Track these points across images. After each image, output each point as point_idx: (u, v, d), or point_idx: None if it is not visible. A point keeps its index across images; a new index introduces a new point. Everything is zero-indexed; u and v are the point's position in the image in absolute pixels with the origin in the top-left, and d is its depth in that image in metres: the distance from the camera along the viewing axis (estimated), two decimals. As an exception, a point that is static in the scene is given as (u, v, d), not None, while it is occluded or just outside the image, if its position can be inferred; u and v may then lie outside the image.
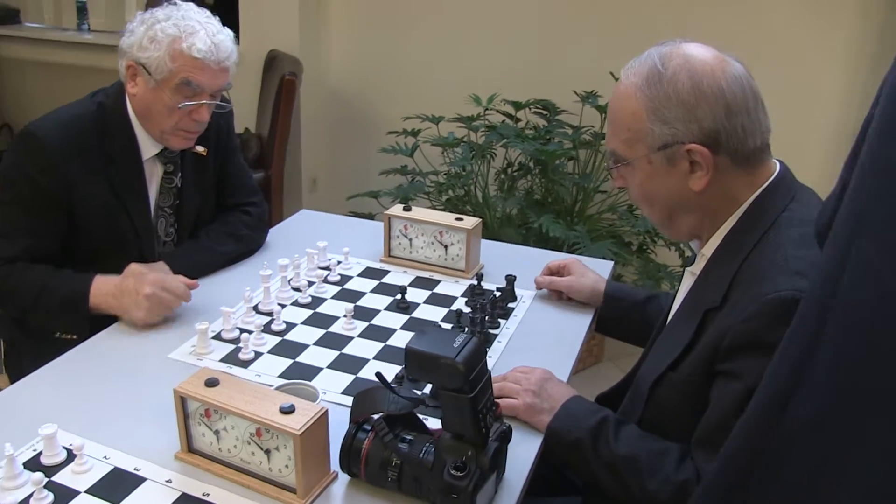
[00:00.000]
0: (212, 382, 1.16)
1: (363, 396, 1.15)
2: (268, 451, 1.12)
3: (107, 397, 1.34)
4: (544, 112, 2.97)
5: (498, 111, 3.04)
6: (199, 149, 1.81)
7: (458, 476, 1.00)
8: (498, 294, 1.69)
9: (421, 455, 1.07)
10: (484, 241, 2.00)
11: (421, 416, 1.14)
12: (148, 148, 1.72)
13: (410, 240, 1.86)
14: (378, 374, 1.08)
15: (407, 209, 1.86)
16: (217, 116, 1.88)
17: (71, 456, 1.18)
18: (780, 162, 1.23)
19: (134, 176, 1.71)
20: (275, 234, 2.03)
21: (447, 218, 1.81)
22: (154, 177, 1.76)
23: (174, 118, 1.65)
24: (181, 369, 1.43)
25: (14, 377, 1.58)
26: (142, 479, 1.16)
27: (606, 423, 1.22)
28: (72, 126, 1.61)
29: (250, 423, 1.11)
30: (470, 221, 1.80)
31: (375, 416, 1.12)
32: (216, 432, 1.16)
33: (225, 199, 1.93)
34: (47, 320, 1.63)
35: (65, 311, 1.57)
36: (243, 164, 1.99)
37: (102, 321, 1.57)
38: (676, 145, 1.14)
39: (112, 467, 1.18)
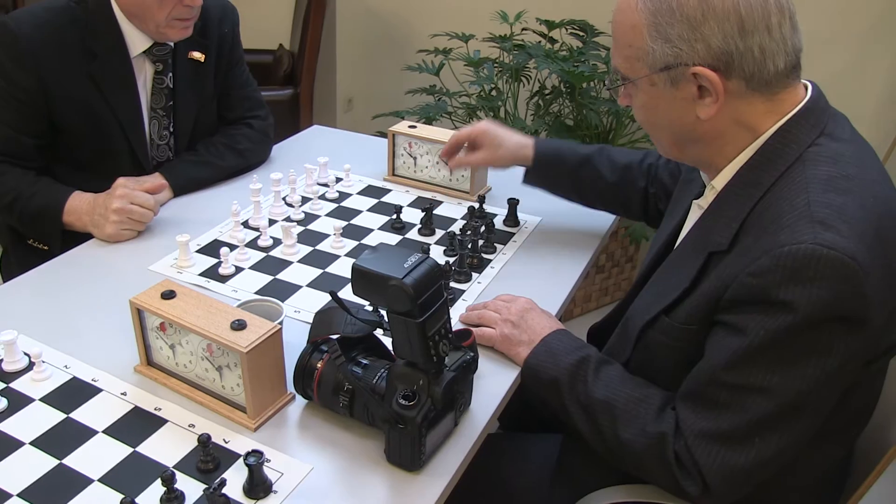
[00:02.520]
0: (168, 295, 1.11)
1: (321, 316, 1.09)
2: (220, 369, 1.07)
3: (81, 308, 1.31)
4: (581, 33, 2.79)
5: (534, 31, 2.87)
6: (196, 55, 1.74)
7: (405, 405, 0.94)
8: (498, 218, 1.60)
9: (374, 381, 1.00)
10: (496, 166, 1.89)
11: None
12: (135, 44, 1.64)
13: (415, 158, 1.77)
14: (332, 294, 1.01)
15: (412, 127, 1.76)
16: (220, 24, 1.79)
17: (31, 364, 1.15)
18: (813, 84, 1.07)
19: (120, 73, 1.64)
20: (281, 149, 1.96)
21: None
22: (144, 76, 1.69)
23: (166, 8, 1.56)
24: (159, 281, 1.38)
25: (6, 283, 1.57)
26: (97, 391, 1.13)
27: (587, 362, 1.13)
28: (48, 19, 1.55)
29: (202, 339, 1.06)
30: (476, 141, 1.69)
31: (333, 337, 1.06)
32: (172, 346, 1.11)
33: (228, 111, 1.86)
34: (20, 226, 1.61)
35: (38, 220, 1.55)
36: (248, 76, 1.91)
37: (80, 234, 1.53)
38: (680, 67, 1.01)
39: (71, 377, 1.15)
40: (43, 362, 1.15)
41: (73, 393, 1.12)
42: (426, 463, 1.00)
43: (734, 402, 0.97)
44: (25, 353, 1.17)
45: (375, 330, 1.05)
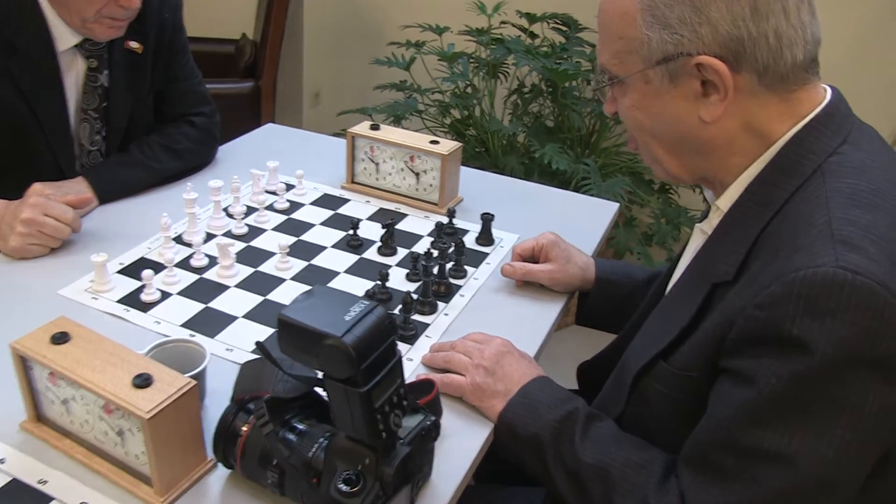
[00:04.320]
0: (59, 339, 0.90)
1: (249, 368, 0.89)
2: (120, 433, 0.86)
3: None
4: (564, 28, 2.60)
5: (514, 25, 2.68)
6: (133, 44, 1.53)
7: (346, 492, 0.74)
8: (470, 235, 1.40)
9: (311, 454, 0.80)
10: (469, 172, 1.70)
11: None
12: (64, 37, 1.43)
13: (377, 164, 1.57)
14: (259, 345, 0.80)
15: (374, 128, 1.56)
16: (161, 8, 1.57)
17: None
18: (833, 88, 0.90)
19: (45, 70, 1.43)
20: (228, 150, 1.75)
21: (421, 140, 1.51)
22: (74, 73, 1.48)
23: (97, 4, 1.36)
24: (69, 310, 1.17)
25: None
26: (-31, 455, 0.91)
27: (574, 418, 0.94)
28: None
29: (98, 397, 0.85)
30: (447, 145, 1.49)
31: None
32: (64, 402, 0.90)
33: (168, 108, 1.64)
34: None
35: None
36: (193, 68, 1.69)
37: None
38: (681, 58, 0.83)
39: (-60, 435, 0.93)
40: None
41: (-60, 458, 0.91)
42: (374, 558, 0.80)
43: (743, 473, 0.79)
44: None
45: (312, 388, 0.85)
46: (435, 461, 0.92)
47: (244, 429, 0.84)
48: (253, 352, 1.09)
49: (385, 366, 0.73)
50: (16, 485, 0.87)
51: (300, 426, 0.83)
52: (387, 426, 0.74)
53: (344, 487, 0.74)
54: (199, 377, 0.95)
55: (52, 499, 0.86)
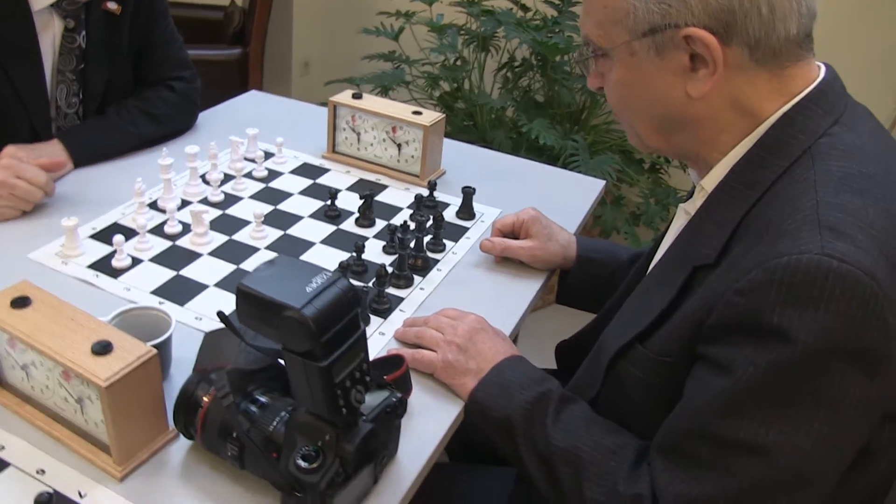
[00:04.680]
0: (19, 302, 0.88)
1: (212, 338, 0.87)
2: (80, 400, 0.84)
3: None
4: (556, 1, 2.56)
5: (507, -5, 2.63)
6: (111, 5, 1.49)
7: (304, 469, 0.72)
8: (450, 209, 1.38)
9: (272, 427, 0.79)
10: (454, 144, 1.68)
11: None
12: None
13: (358, 134, 1.54)
14: (220, 315, 0.78)
15: (357, 97, 1.53)
16: (140, -31, 1.54)
17: None
18: (827, 66, 0.87)
19: (19, 31, 1.39)
20: (208, 116, 1.71)
21: (403, 111, 1.48)
22: (50, 34, 1.44)
23: None
24: (39, 274, 1.15)
25: None
26: (-71, 418, 0.89)
27: (547, 399, 0.93)
28: None
29: (56, 364, 0.83)
30: (429, 116, 1.46)
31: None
32: (24, 367, 0.88)
33: (147, 72, 1.61)
34: None
35: None
36: (173, 32, 1.65)
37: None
38: (669, 30, 0.80)
39: None
40: None
41: None
42: (333, 533, 0.79)
43: (718, 463, 0.77)
44: None
45: (276, 360, 0.83)
46: (402, 439, 0.91)
47: (205, 399, 0.83)
48: (213, 330, 1.07)
49: (346, 340, 0.71)
50: (-28, 451, 0.86)
51: (262, 399, 0.82)
52: (347, 402, 0.72)
53: (303, 464, 0.73)
54: (164, 346, 0.93)
55: (7, 465, 0.84)
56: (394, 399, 0.82)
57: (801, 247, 0.71)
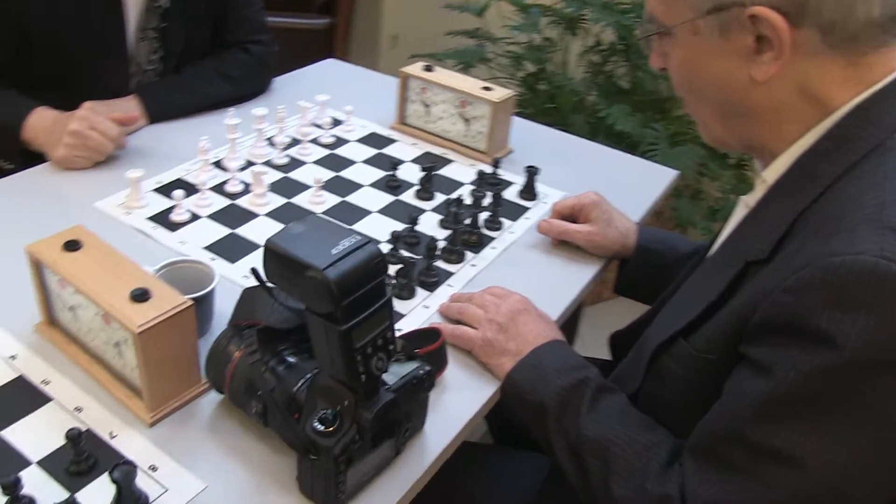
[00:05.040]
0: (71, 246, 0.90)
1: (248, 294, 0.87)
2: (118, 345, 0.86)
3: (1, 243, 1.11)
4: (652, -18, 2.47)
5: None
6: (195, -34, 1.51)
7: (321, 432, 0.72)
8: (513, 188, 1.35)
9: (295, 388, 0.78)
10: (524, 124, 1.64)
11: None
12: None
13: (428, 107, 1.52)
14: (254, 271, 0.78)
15: (428, 69, 1.51)
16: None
17: (-84, 306, 0.96)
18: None
19: None
20: (284, 81, 1.73)
21: (473, 86, 1.46)
22: (135, -8, 1.47)
23: None
24: (101, 222, 1.18)
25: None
26: (-17, 350, 0.93)
27: (584, 387, 0.90)
28: None
29: (97, 307, 0.85)
30: (499, 93, 1.44)
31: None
32: (71, 308, 0.91)
33: (225, 33, 1.63)
34: None
35: None
36: (253, -6, 1.67)
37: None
38: (734, 8, 0.75)
39: (-41, 328, 0.96)
40: (-71, 307, 0.96)
41: (-45, 350, 0.93)
42: (349, 499, 0.78)
43: (751, 470, 0.73)
44: (-86, 293, 0.98)
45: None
46: (432, 413, 0.90)
47: (236, 354, 0.83)
48: (252, 286, 1.08)
49: (370, 306, 0.70)
50: (21, 382, 0.89)
51: (291, 359, 0.82)
52: (367, 369, 0.71)
53: (319, 426, 0.72)
54: (206, 299, 0.95)
55: (50, 399, 0.87)
56: (421, 372, 0.80)
57: (859, 247, 0.66)
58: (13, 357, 0.92)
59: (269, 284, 0.76)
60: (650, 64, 0.90)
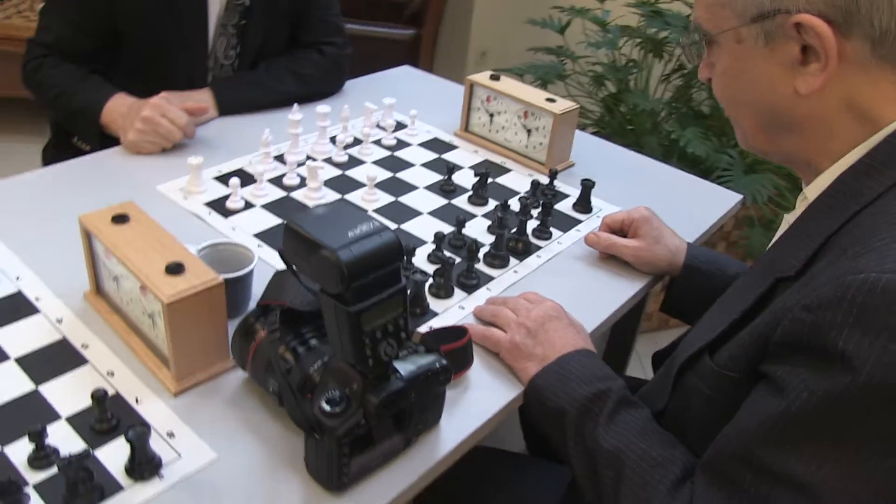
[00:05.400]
0: (120, 219, 0.94)
1: (277, 277, 0.89)
2: (151, 315, 0.89)
3: (68, 216, 1.17)
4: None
5: (685, 1, 2.52)
6: (278, -33, 1.57)
7: (327, 412, 0.72)
8: (569, 200, 1.34)
9: (311, 369, 0.80)
10: (590, 140, 1.64)
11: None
12: None
13: (492, 115, 1.53)
14: (280, 252, 0.80)
15: (495, 78, 1.52)
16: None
17: (-19, 267, 1.03)
18: None
19: None
20: (357, 84, 1.76)
21: (537, 97, 1.46)
22: (219, -12, 1.54)
23: None
24: (162, 204, 1.23)
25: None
26: (34, 311, 0.99)
27: (605, 398, 0.88)
28: None
29: (135, 278, 0.88)
30: (562, 105, 1.43)
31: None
32: (115, 278, 0.95)
33: (302, 33, 1.68)
34: (64, 121, 1.52)
35: (77, 117, 1.44)
36: (332, -1, 1.72)
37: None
38: (779, 15, 0.72)
39: (16, 290, 1.02)
40: (-8, 268, 1.03)
41: (10, 309, 0.99)
42: (352, 485, 0.79)
43: (760, 495, 0.70)
44: (-19, 255, 1.05)
45: (329, 306, 0.84)
46: (451, 411, 0.90)
47: (261, 333, 0.85)
48: (277, 272, 1.10)
49: (383, 291, 0.70)
50: (63, 343, 0.94)
51: (313, 341, 0.83)
52: (375, 353, 0.71)
53: (326, 407, 0.73)
54: (243, 280, 0.97)
55: (86, 362, 0.91)
56: (437, 365, 0.80)
57: (886, 265, 0.62)
58: (59, 321, 0.97)
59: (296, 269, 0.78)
60: (699, 76, 0.88)
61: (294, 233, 0.70)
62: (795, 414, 0.66)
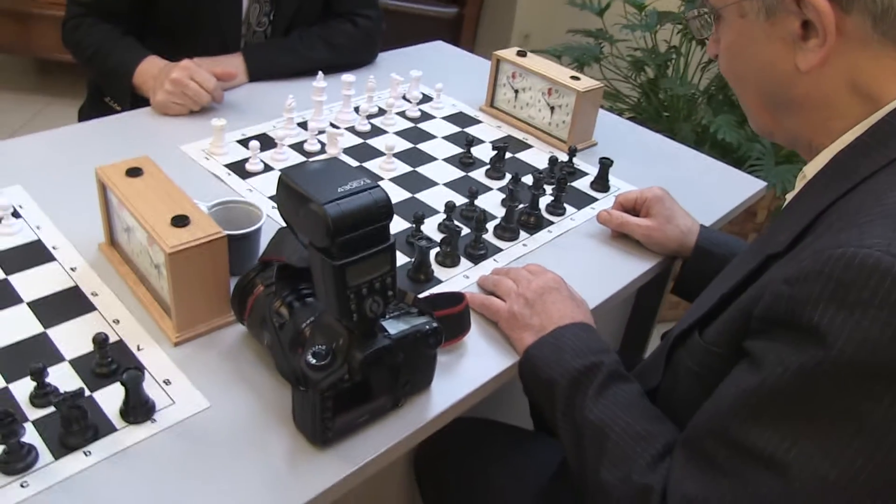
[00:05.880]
0: (133, 172, 0.97)
1: (279, 233, 0.91)
2: (157, 266, 0.92)
3: (88, 172, 1.21)
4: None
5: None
6: (313, -64, 1.58)
7: (312, 365, 0.74)
8: (587, 178, 1.33)
9: (304, 325, 0.81)
10: (616, 121, 1.63)
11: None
12: None
13: (517, 91, 1.52)
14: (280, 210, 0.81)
15: (521, 54, 1.51)
16: None
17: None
18: None
19: None
20: (389, 56, 1.77)
21: (562, 74, 1.45)
22: (254, -45, 1.56)
23: None
24: (183, 163, 1.26)
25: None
26: (51, 259, 1.02)
27: (596, 371, 0.87)
28: None
29: (143, 229, 0.91)
30: (586, 83, 1.42)
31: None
32: (126, 230, 0.98)
33: (336, 4, 1.70)
34: (98, 81, 1.56)
35: (110, 77, 1.48)
36: (368, -30, 1.72)
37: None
38: None
39: (36, 239, 1.06)
40: (16, 216, 1.06)
41: (28, 256, 1.02)
42: (336, 440, 0.80)
43: (733, 470, 0.69)
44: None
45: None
46: (444, 376, 0.91)
47: (259, 288, 0.87)
48: (280, 230, 1.11)
49: (370, 248, 0.71)
50: (75, 291, 0.97)
51: (308, 298, 0.84)
52: (360, 309, 0.72)
53: (311, 360, 0.74)
54: (250, 237, 0.99)
55: (95, 309, 0.94)
56: (427, 327, 0.81)
57: (865, 241, 0.61)
58: (73, 269, 1.00)
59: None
60: (708, 52, 0.87)
61: (286, 186, 0.72)
62: (769, 389, 0.65)
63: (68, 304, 0.94)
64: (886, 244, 0.61)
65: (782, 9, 0.72)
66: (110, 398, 0.82)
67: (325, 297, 0.73)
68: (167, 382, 0.85)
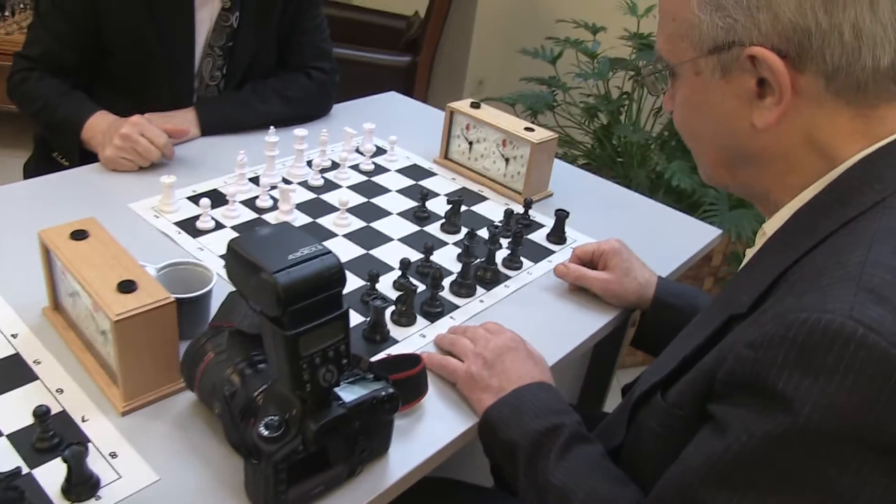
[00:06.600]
0: (79, 235, 0.94)
1: (231, 299, 0.88)
2: (103, 333, 0.89)
3: (31, 231, 1.17)
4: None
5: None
6: (268, -11, 1.58)
7: (265, 437, 0.71)
8: (543, 231, 1.33)
9: (256, 394, 0.79)
10: (569, 169, 1.64)
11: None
12: None
13: (471, 143, 1.53)
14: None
15: (475, 106, 1.52)
16: (300, -42, 1.63)
17: (-59, 278, 1.02)
18: None
19: (180, 6, 1.50)
20: (343, 109, 1.77)
21: (516, 125, 1.46)
22: (208, 10, 1.55)
23: None
24: (132, 222, 1.23)
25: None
26: (-11, 326, 0.98)
27: (558, 433, 0.86)
28: None
29: (87, 295, 0.88)
30: (540, 134, 1.43)
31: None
32: (71, 294, 0.95)
33: (290, 57, 1.70)
34: (46, 135, 1.53)
35: (58, 131, 1.46)
36: (322, 24, 1.73)
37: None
38: (734, 47, 0.72)
39: (-25, 304, 1.01)
40: (-48, 281, 1.02)
41: (-34, 323, 0.98)
42: (291, 511, 0.78)
43: None
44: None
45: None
46: (402, 440, 0.89)
47: (209, 355, 0.84)
48: (231, 293, 1.09)
49: (322, 316, 0.70)
50: (16, 359, 0.93)
51: (261, 365, 0.82)
52: (313, 379, 0.70)
53: (264, 431, 0.72)
54: (201, 300, 0.97)
55: (36, 378, 0.91)
56: (383, 393, 0.79)
57: (828, 305, 0.61)
58: (14, 335, 0.97)
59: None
60: (664, 107, 0.89)
61: (235, 254, 0.70)
62: (734, 455, 0.64)
63: (8, 373, 0.91)
64: (849, 308, 0.61)
65: (737, 67, 0.73)
66: (51, 475, 0.78)
67: (277, 367, 0.71)
68: (113, 455, 0.82)
